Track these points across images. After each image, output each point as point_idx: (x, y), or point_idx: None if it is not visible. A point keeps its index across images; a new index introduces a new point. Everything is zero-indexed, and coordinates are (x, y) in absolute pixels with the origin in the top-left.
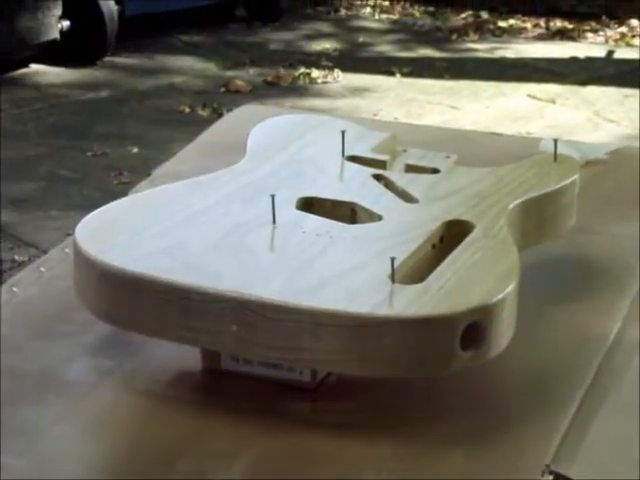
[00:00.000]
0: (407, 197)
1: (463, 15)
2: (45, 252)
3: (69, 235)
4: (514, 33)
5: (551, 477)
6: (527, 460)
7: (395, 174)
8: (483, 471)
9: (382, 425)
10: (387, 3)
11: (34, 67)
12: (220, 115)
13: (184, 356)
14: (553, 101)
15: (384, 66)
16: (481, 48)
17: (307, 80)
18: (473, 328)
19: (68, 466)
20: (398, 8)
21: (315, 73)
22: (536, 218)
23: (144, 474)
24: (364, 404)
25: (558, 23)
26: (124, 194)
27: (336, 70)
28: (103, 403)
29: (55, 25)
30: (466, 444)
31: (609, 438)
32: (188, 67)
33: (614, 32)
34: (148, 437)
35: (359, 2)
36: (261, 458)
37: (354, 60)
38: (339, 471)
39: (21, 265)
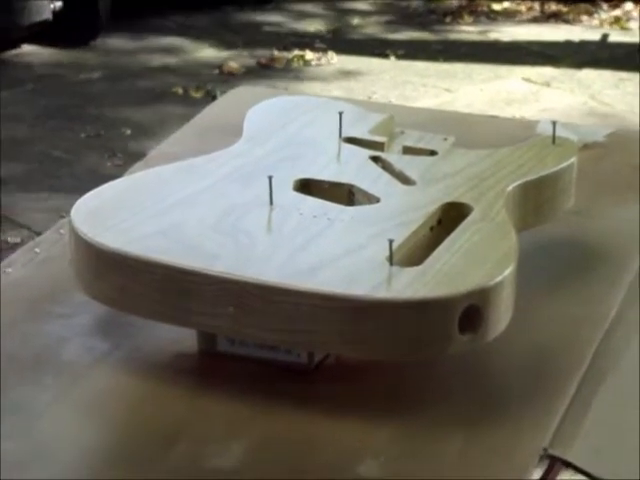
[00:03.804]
0: (405, 179)
1: None
2: (38, 234)
3: (63, 217)
4: (508, 16)
5: (548, 460)
6: (525, 443)
7: (393, 156)
8: (481, 454)
9: (380, 408)
10: None
11: (26, 48)
12: (213, 97)
13: (180, 338)
14: (548, 84)
15: (378, 48)
16: (475, 31)
17: (301, 62)
18: (471, 311)
19: (64, 448)
20: None
21: (309, 55)
22: (534, 200)
23: (140, 456)
24: (361, 387)
25: (553, 6)
26: (117, 176)
27: (330, 52)
28: (99, 385)
29: (47, 6)
30: (464, 427)
31: (607, 421)
32: (181, 49)
33: (609, 15)
34: (144, 419)
35: None
36: (258, 441)
37: (348, 42)
38: (336, 454)
39: (14, 247)
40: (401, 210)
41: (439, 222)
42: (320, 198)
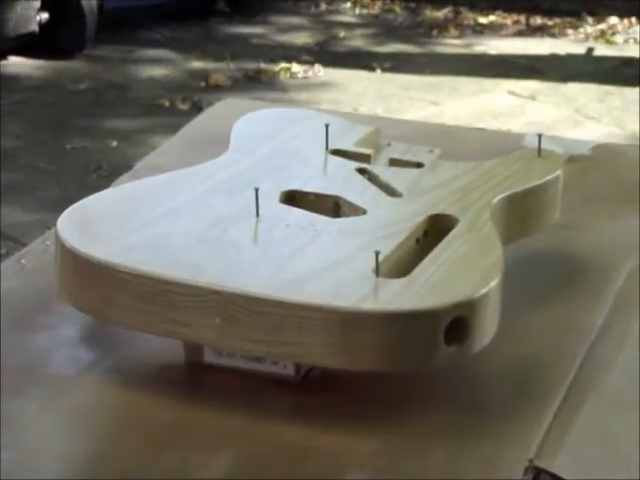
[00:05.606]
0: (391, 191)
1: (443, 11)
2: (24, 245)
3: (49, 228)
4: (494, 29)
5: (534, 472)
6: (510, 455)
7: (379, 168)
8: (467, 466)
9: (365, 420)
10: None
11: (12, 59)
12: (200, 109)
13: (166, 349)
14: (534, 98)
15: (364, 61)
16: (461, 44)
17: (288, 75)
18: (457, 322)
19: (49, 459)
20: (378, 3)
21: (296, 68)
22: (520, 213)
23: (126, 468)
24: (347, 399)
25: (538, 20)
26: (103, 188)
27: (316, 65)
28: (84, 396)
29: (34, 17)
30: (450, 439)
31: (593, 433)
32: (168, 61)
33: (594, 29)
34: (129, 431)
35: None
36: (244, 453)
37: (334, 55)
38: (322, 467)
39: None
40: (387, 222)
41: (425, 234)
42: (306, 210)
